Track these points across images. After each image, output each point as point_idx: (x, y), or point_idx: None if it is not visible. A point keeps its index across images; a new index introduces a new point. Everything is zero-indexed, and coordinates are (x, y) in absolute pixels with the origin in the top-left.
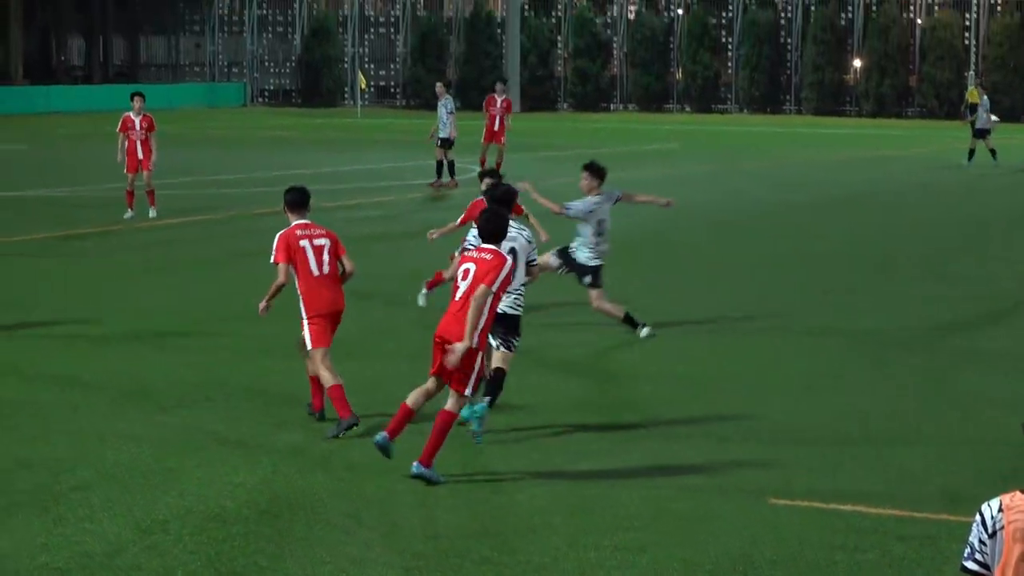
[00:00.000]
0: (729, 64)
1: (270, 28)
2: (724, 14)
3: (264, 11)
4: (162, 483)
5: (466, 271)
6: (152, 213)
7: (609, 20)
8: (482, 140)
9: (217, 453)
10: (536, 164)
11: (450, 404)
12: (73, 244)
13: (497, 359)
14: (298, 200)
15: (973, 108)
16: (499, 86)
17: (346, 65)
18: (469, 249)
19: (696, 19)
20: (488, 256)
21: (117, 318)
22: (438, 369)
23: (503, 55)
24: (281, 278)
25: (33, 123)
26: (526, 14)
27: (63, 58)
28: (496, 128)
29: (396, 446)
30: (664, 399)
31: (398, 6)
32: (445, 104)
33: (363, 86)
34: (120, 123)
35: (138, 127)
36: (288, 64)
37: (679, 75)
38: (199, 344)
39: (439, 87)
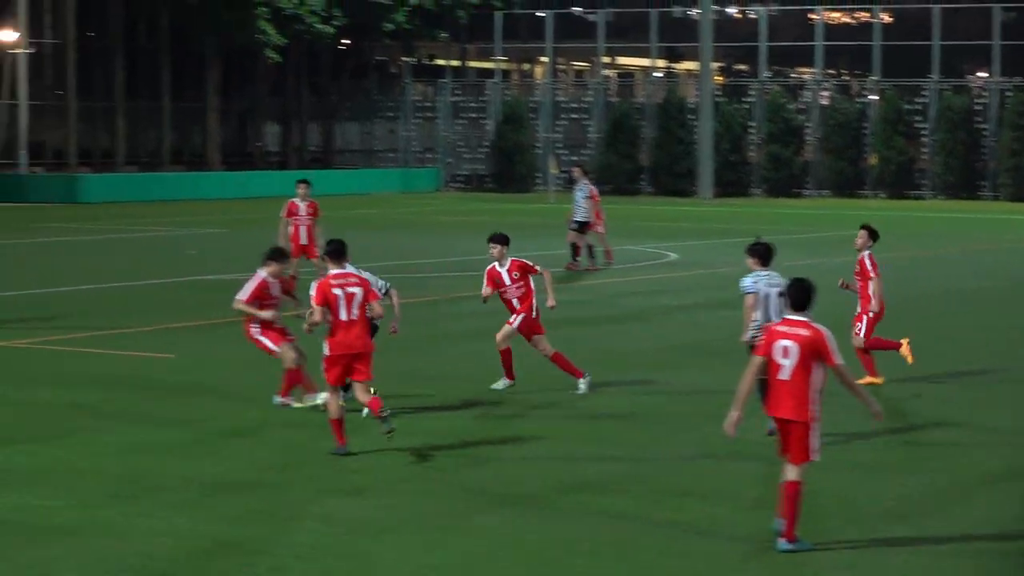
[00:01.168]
0: (924, 150)
1: (463, 114)
2: (918, 100)
3: (458, 97)
4: (357, 568)
5: (786, 349)
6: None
7: (802, 105)
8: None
9: (410, 534)
10: (729, 249)
11: (793, 475)
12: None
13: None
14: (336, 251)
15: None
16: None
17: (539, 151)
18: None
19: (890, 104)
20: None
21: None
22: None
23: (695, 140)
24: (316, 317)
25: (230, 207)
26: (718, 100)
27: (259, 144)
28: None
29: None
30: None
31: (590, 93)
32: (582, 189)
33: (555, 171)
34: (285, 209)
35: (303, 212)
36: (481, 149)
37: (873, 161)
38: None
39: (577, 171)
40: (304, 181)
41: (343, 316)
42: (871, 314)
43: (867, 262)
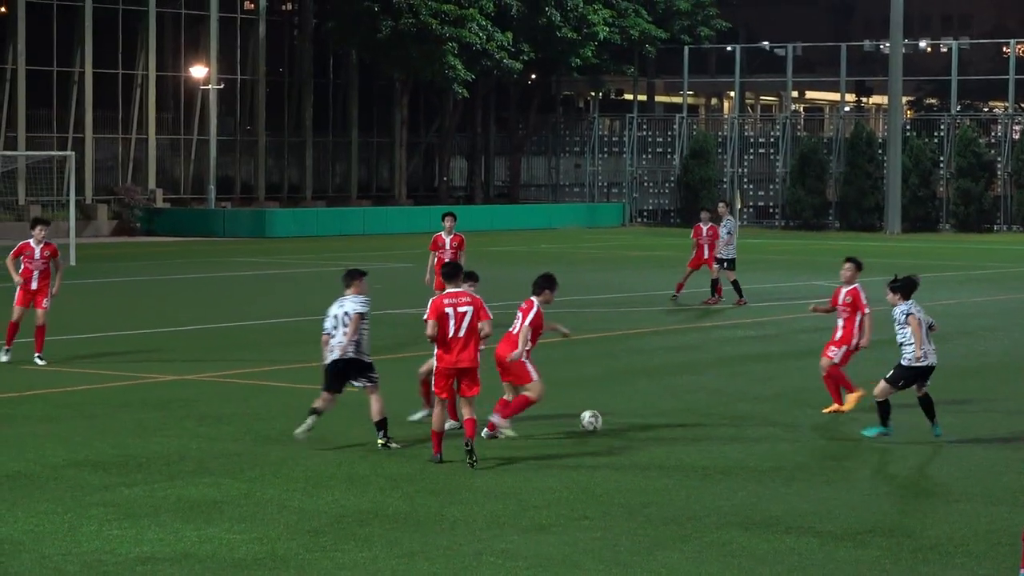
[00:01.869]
0: None
1: (649, 149)
2: None
3: (644, 132)
4: None
5: None
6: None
7: (993, 140)
8: (688, 265)
9: (593, 570)
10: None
11: None
12: None
13: None
14: (449, 273)
15: None
16: (704, 215)
17: (725, 186)
18: None
19: None
20: None
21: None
22: None
23: (883, 175)
24: (429, 331)
25: (416, 242)
26: (908, 134)
27: (446, 179)
28: (706, 256)
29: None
30: None
31: (777, 127)
32: (726, 224)
33: (740, 206)
34: (431, 242)
35: (448, 246)
36: (667, 184)
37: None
38: (578, 461)
39: (721, 207)
40: (450, 214)
41: (451, 332)
42: (854, 346)
43: (861, 295)
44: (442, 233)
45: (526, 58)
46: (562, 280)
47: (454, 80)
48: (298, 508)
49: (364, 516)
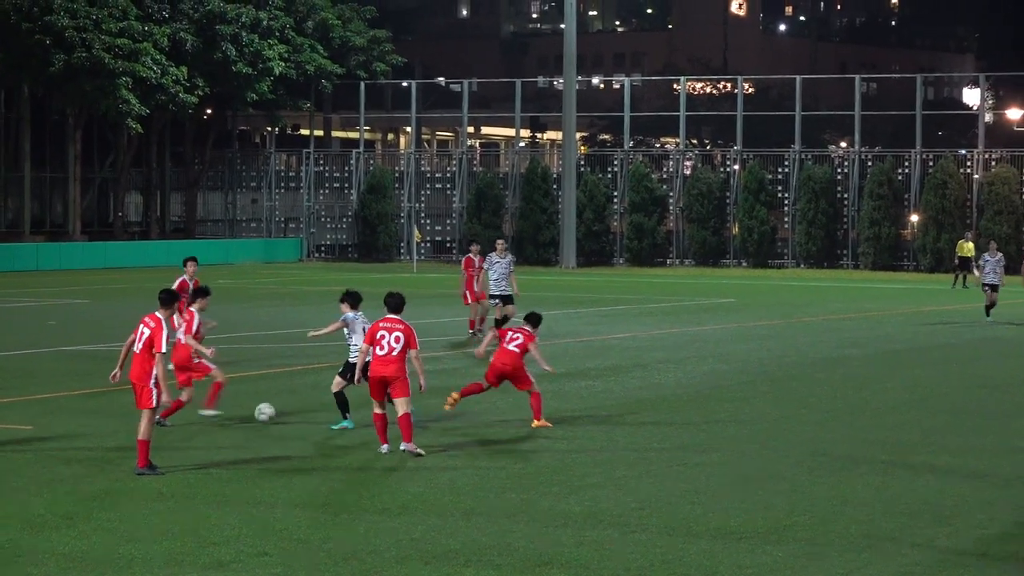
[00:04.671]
0: (786, 219)
1: (327, 184)
2: (780, 169)
3: (321, 167)
4: None
5: None
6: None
7: (665, 175)
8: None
9: None
10: (594, 318)
11: None
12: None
13: None
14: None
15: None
16: (474, 247)
17: (402, 220)
18: None
19: (752, 175)
20: None
21: None
22: None
23: (559, 210)
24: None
25: (90, 278)
26: (582, 169)
27: (121, 214)
28: (476, 288)
29: None
30: None
31: (454, 162)
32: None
33: (419, 240)
34: (176, 285)
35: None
36: (345, 219)
37: (735, 230)
38: (256, 497)
39: (500, 244)
40: (192, 259)
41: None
42: None
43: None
44: (185, 277)
45: (201, 92)
46: (240, 317)
47: (128, 114)
48: None
49: (40, 556)
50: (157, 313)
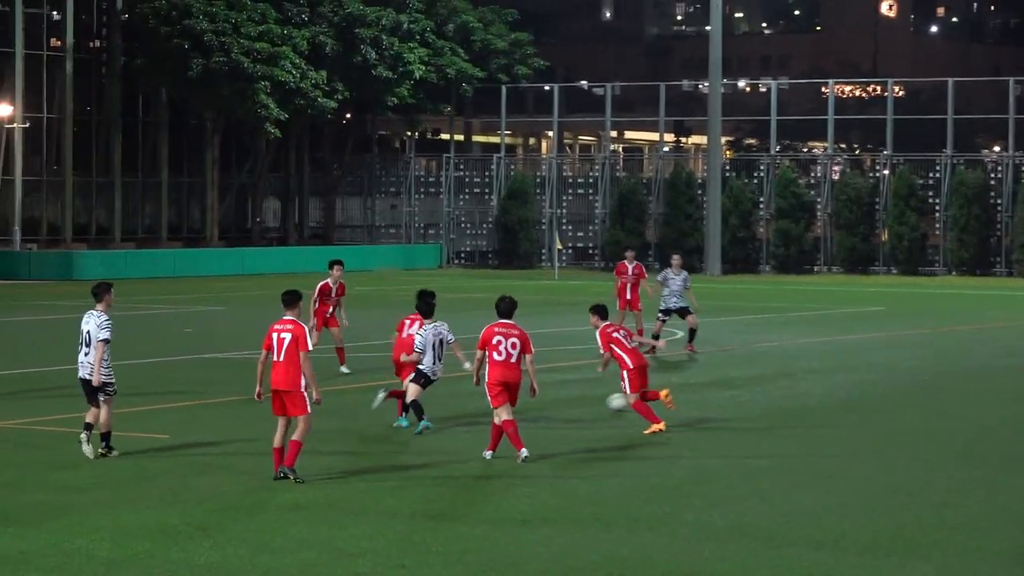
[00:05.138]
0: (937, 225)
1: (467, 190)
2: (931, 174)
3: (461, 173)
4: None
5: None
6: (345, 370)
7: (813, 181)
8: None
9: None
10: (739, 327)
11: None
12: None
13: None
14: (286, 300)
15: None
16: (628, 253)
17: (543, 227)
18: None
19: (902, 180)
20: None
21: None
22: None
23: (703, 216)
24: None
25: (228, 284)
26: (728, 175)
27: (259, 220)
28: (629, 296)
29: None
30: None
31: (596, 168)
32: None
33: (560, 249)
34: (316, 290)
35: (333, 294)
36: (485, 226)
37: (885, 237)
38: (394, 508)
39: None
40: (338, 262)
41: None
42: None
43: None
44: (328, 281)
45: (341, 97)
46: (379, 323)
47: (266, 119)
48: (106, 559)
49: (174, 567)
50: (287, 316)
